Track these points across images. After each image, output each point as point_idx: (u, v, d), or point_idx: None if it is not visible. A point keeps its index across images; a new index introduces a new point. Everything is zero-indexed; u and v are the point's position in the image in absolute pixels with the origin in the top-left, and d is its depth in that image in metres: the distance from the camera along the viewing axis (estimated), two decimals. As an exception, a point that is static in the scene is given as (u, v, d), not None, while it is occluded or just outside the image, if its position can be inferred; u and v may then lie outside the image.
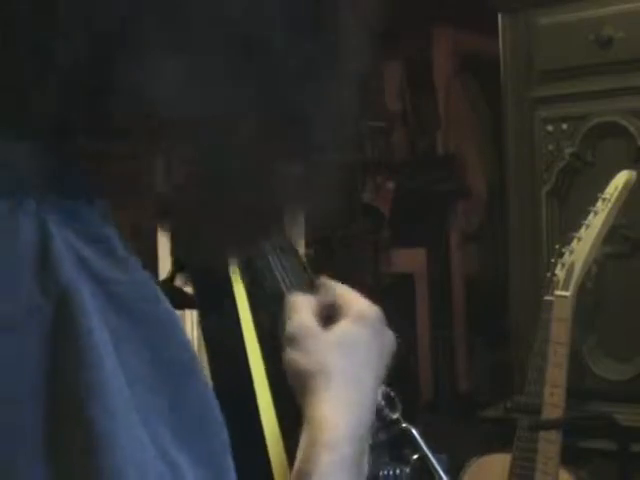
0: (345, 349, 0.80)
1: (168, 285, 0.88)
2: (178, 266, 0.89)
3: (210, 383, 0.61)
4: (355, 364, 0.80)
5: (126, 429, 0.53)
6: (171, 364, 0.57)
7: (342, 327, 0.82)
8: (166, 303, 0.59)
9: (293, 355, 0.80)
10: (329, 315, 0.83)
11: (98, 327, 0.54)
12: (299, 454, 0.75)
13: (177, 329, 0.58)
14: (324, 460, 0.74)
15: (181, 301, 0.89)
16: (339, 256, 5.04)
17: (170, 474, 0.54)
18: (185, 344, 0.59)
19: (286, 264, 0.89)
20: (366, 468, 0.78)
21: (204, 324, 0.88)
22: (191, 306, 0.89)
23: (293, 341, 0.80)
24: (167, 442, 0.55)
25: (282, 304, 0.84)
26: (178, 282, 0.90)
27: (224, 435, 0.59)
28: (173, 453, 0.55)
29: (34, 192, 0.56)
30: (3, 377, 0.53)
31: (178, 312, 0.62)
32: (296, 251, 0.95)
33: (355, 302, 0.84)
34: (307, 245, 2.59)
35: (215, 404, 0.59)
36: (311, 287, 0.88)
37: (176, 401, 0.56)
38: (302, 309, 0.82)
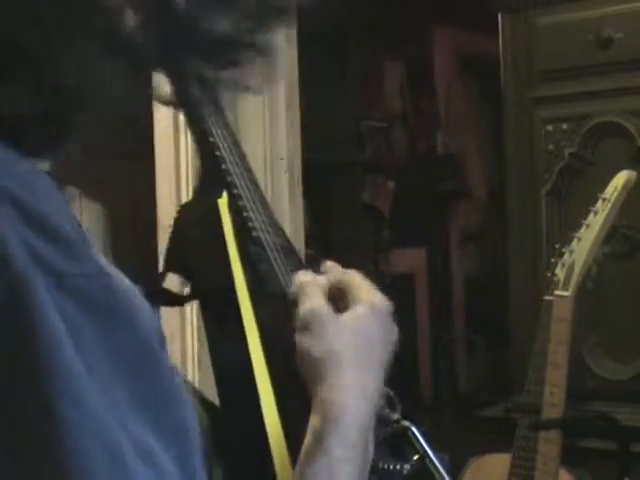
0: (355, 336, 0.81)
1: (157, 284, 0.89)
2: (169, 266, 0.90)
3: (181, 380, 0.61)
4: (364, 351, 0.81)
5: (94, 413, 0.53)
6: (130, 353, 0.57)
7: (354, 314, 0.83)
8: (123, 292, 0.58)
9: (304, 340, 0.81)
10: (339, 298, 0.84)
11: (53, 317, 0.54)
12: (307, 438, 0.76)
13: (135, 319, 0.58)
14: (330, 444, 0.75)
15: (169, 300, 0.90)
16: (339, 256, 5.04)
17: (144, 458, 0.54)
18: (146, 334, 0.58)
19: (288, 266, 0.90)
20: (371, 455, 0.79)
21: (208, 329, 0.89)
22: (179, 304, 0.90)
23: (304, 326, 0.81)
24: (137, 429, 0.55)
25: (285, 305, 0.85)
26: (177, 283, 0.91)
27: (192, 423, 0.59)
28: (145, 440, 0.55)
29: None
30: None
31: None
32: (296, 251, 0.96)
33: (368, 291, 0.85)
34: (307, 245, 2.59)
35: (180, 394, 0.58)
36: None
37: (137, 389, 0.56)
38: (313, 293, 0.83)
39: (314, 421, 0.77)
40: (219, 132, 0.93)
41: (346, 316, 0.82)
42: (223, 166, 0.92)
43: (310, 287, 0.84)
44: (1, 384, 0.53)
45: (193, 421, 0.59)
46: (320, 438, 0.75)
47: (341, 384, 0.78)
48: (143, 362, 0.57)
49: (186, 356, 2.27)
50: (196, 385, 0.87)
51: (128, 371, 0.56)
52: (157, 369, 0.58)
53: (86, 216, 2.78)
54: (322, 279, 0.86)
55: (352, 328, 0.81)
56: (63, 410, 0.53)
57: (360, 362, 0.80)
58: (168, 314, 2.19)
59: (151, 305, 0.67)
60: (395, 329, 0.85)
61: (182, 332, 2.27)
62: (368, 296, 0.84)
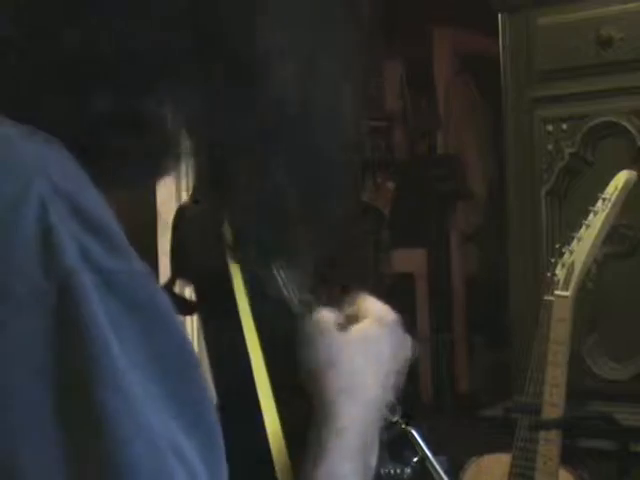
0: (359, 347, 0.82)
1: (168, 291, 0.88)
2: (177, 271, 0.89)
3: (209, 381, 0.62)
4: (367, 362, 0.82)
5: (137, 407, 0.55)
6: (167, 353, 0.58)
7: (360, 326, 0.84)
8: (163, 293, 0.60)
9: (306, 350, 0.82)
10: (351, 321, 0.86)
11: (100, 314, 0.55)
12: (308, 444, 0.77)
13: (174, 319, 0.60)
14: (330, 447, 0.76)
15: (181, 307, 0.90)
16: (339, 256, 5.03)
17: (176, 454, 0.55)
18: (181, 334, 0.60)
19: (288, 272, 0.90)
20: (374, 461, 0.79)
21: (206, 331, 0.88)
22: (191, 312, 0.90)
23: (308, 337, 0.82)
24: (171, 426, 0.56)
25: (285, 311, 0.85)
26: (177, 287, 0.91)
27: (217, 424, 0.60)
28: (177, 437, 0.56)
29: (40, 177, 0.57)
30: (10, 358, 0.54)
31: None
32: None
33: (375, 305, 0.87)
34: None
35: (209, 396, 0.60)
36: (313, 294, 0.89)
37: (172, 389, 0.57)
38: (324, 312, 0.84)
39: (314, 427, 0.78)
40: None
41: (351, 329, 0.84)
42: None
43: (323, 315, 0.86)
44: (51, 377, 0.54)
45: (217, 421, 0.60)
46: (320, 444, 0.76)
47: (338, 393, 0.79)
48: (179, 363, 0.59)
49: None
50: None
51: (165, 372, 0.58)
52: (191, 370, 0.60)
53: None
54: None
55: (355, 340, 0.83)
56: (109, 402, 0.54)
57: (360, 373, 0.81)
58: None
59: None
60: (407, 340, 0.86)
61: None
62: (375, 310, 0.86)
